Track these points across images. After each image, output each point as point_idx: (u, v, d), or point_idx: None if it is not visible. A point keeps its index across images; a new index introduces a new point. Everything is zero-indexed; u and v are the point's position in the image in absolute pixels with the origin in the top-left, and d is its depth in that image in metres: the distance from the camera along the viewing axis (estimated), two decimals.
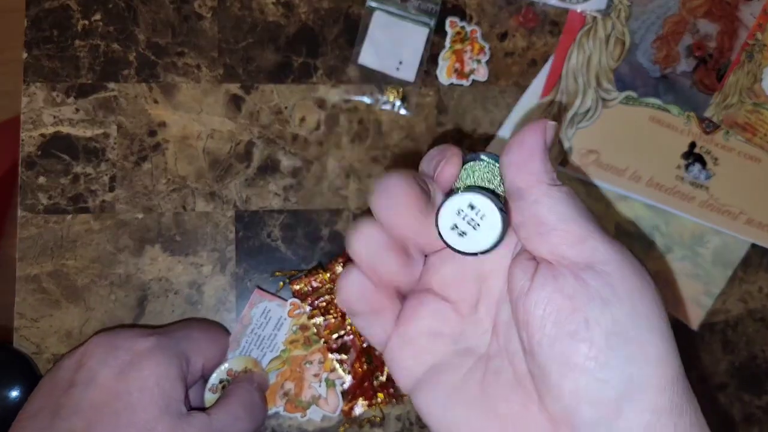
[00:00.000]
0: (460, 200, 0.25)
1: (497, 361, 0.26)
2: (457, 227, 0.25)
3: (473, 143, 0.48)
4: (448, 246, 0.25)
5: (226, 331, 0.45)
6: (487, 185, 0.27)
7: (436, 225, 0.25)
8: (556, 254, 0.24)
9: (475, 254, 0.25)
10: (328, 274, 0.45)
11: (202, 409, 0.40)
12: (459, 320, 0.27)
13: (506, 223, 0.25)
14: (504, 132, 0.48)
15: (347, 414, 0.45)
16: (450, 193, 0.27)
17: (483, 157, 0.27)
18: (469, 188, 0.26)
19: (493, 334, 0.27)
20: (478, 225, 0.25)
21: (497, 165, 0.27)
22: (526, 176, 0.25)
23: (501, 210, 0.25)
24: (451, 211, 0.25)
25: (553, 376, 0.23)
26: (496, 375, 0.26)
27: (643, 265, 0.24)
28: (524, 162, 0.25)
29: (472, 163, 0.27)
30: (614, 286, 0.23)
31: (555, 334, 0.23)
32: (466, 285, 0.28)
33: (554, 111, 0.48)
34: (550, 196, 0.24)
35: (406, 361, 0.27)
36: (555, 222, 0.24)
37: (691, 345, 0.48)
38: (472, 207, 0.25)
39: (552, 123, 0.25)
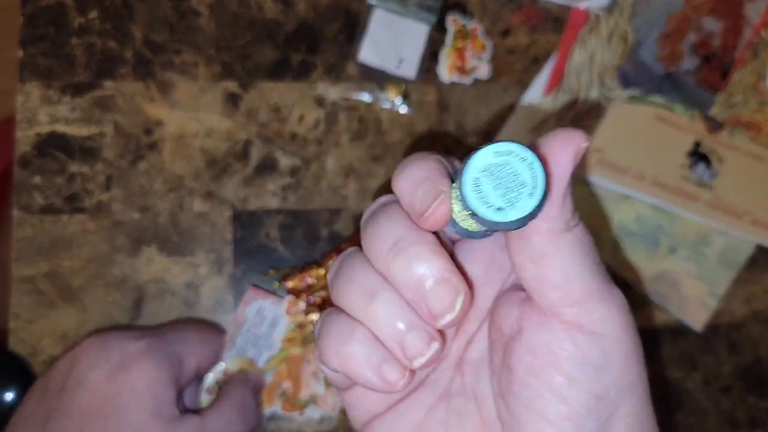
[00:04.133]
0: (485, 154, 0.20)
1: (460, 401, 0.25)
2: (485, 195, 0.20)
3: (474, 142, 0.47)
4: (479, 218, 0.20)
5: (221, 331, 0.44)
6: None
7: (460, 191, 0.21)
8: (553, 310, 0.22)
9: (513, 224, 0.20)
10: (323, 270, 0.44)
11: (197, 411, 0.39)
12: None
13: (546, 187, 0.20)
14: (503, 135, 0.47)
15: (346, 413, 0.44)
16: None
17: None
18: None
19: (457, 371, 0.26)
20: (516, 186, 0.20)
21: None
22: (534, 222, 0.22)
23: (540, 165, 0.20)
24: (476, 171, 0.20)
25: (527, 429, 0.22)
26: (460, 417, 0.25)
27: (634, 322, 0.23)
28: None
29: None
30: (606, 351, 0.22)
31: (537, 387, 0.22)
32: None
33: (557, 109, 0.47)
34: (561, 249, 0.22)
35: (366, 394, 0.26)
36: (559, 281, 0.22)
37: (695, 347, 0.48)
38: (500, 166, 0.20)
39: (585, 141, 0.21)
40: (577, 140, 0.21)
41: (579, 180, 0.48)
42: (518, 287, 0.24)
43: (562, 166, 0.21)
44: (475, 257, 0.25)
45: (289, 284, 0.44)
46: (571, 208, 0.22)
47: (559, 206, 0.21)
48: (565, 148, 0.21)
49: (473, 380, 0.25)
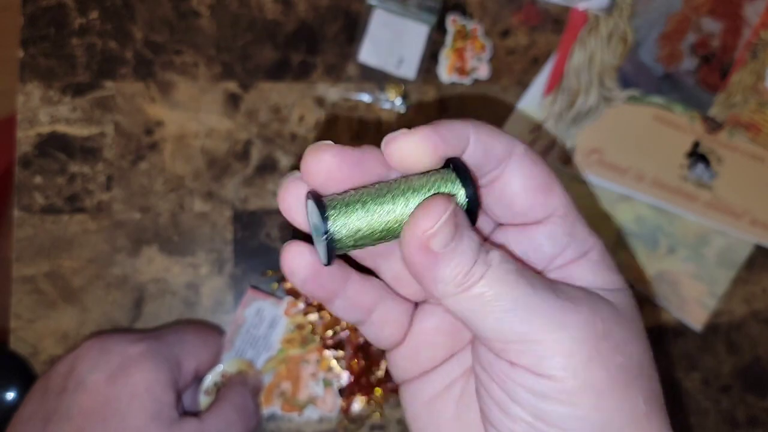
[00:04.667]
0: (311, 206, 0.21)
1: (474, 384, 0.25)
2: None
3: None
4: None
5: (221, 333, 0.44)
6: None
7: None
8: (505, 357, 0.21)
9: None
10: None
11: (196, 413, 0.40)
12: (468, 339, 0.26)
13: (331, 252, 0.21)
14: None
15: (345, 411, 0.44)
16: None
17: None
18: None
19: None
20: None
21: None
22: (422, 283, 0.21)
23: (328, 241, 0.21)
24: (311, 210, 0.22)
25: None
26: (472, 398, 0.25)
27: (617, 343, 0.21)
28: (414, 268, 0.21)
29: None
30: (567, 391, 0.20)
31: (495, 405, 0.22)
32: None
33: (557, 110, 0.48)
34: (469, 307, 0.20)
35: (410, 368, 0.26)
36: (489, 337, 0.21)
37: (694, 346, 0.48)
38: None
39: (447, 209, 0.20)
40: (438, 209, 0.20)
41: (578, 179, 0.48)
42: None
43: (412, 242, 0.20)
44: (521, 238, 0.24)
45: (288, 285, 0.44)
46: (461, 261, 0.20)
47: (433, 269, 0.20)
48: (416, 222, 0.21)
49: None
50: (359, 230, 0.21)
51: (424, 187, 0.21)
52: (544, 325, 0.20)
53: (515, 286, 0.20)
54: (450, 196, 0.21)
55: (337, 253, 0.22)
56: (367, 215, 0.21)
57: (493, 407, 0.22)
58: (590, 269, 0.23)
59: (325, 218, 0.21)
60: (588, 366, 0.20)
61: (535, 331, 0.20)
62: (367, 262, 0.26)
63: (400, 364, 0.27)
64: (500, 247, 0.24)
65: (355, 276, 0.25)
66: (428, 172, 0.22)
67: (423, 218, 0.20)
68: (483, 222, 0.25)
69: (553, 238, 0.23)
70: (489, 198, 0.23)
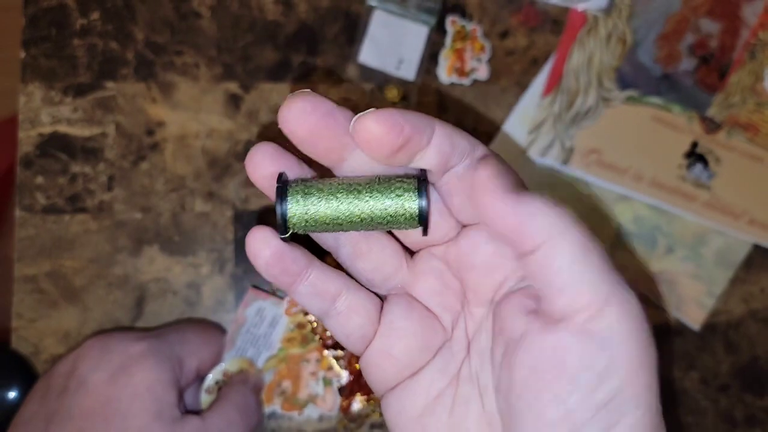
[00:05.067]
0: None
1: (467, 389, 0.25)
2: None
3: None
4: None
5: (222, 331, 0.44)
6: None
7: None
8: (562, 317, 0.22)
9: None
10: None
11: (198, 411, 0.40)
12: (442, 333, 0.26)
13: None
14: (502, 136, 0.48)
15: (345, 410, 0.45)
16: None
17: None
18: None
19: (467, 357, 0.26)
20: None
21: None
22: (530, 241, 0.22)
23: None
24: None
25: (525, 429, 0.22)
26: (466, 405, 0.25)
27: (648, 330, 0.22)
28: (514, 231, 0.22)
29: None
30: (612, 358, 0.21)
31: (538, 389, 0.22)
32: (449, 299, 0.26)
33: (556, 110, 0.48)
34: (561, 253, 0.21)
35: (388, 368, 0.26)
36: (565, 286, 0.21)
37: (693, 346, 0.48)
38: None
39: (491, 165, 0.22)
40: (485, 170, 0.22)
41: (577, 180, 0.48)
42: (527, 293, 0.24)
43: (493, 202, 0.22)
44: (486, 239, 0.25)
45: None
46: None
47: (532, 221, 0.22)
48: (485, 185, 0.22)
49: (478, 370, 0.25)
50: (323, 213, 0.24)
51: (386, 189, 0.24)
52: (611, 288, 0.22)
53: (595, 240, 0.22)
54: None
55: (298, 228, 0.24)
56: (331, 200, 0.24)
57: (526, 388, 0.22)
58: None
59: (289, 189, 0.24)
60: (634, 338, 0.22)
61: (605, 289, 0.22)
62: (341, 260, 0.27)
63: (376, 366, 0.26)
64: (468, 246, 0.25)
65: (318, 263, 0.26)
66: (393, 176, 0.24)
67: (491, 167, 0.22)
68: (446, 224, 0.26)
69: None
70: (457, 198, 0.24)
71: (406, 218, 0.24)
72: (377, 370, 0.26)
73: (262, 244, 0.24)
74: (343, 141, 0.23)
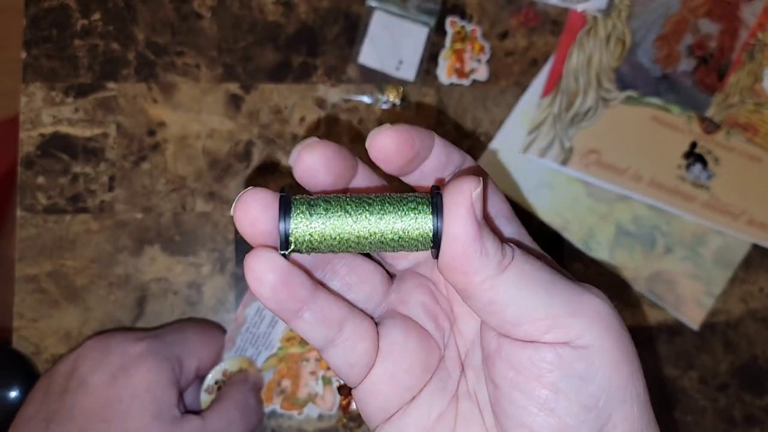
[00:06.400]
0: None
1: (467, 406, 0.25)
2: None
3: (473, 143, 0.48)
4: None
5: (222, 331, 0.44)
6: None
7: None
8: (530, 339, 0.22)
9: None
10: None
11: (198, 411, 0.40)
12: (437, 351, 0.26)
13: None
14: (502, 136, 0.48)
15: (345, 409, 0.45)
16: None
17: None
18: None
19: (462, 375, 0.26)
20: None
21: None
22: (464, 278, 0.22)
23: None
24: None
25: None
26: (467, 424, 0.25)
27: (619, 322, 0.23)
28: (458, 264, 0.21)
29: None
30: (590, 360, 0.22)
31: (522, 402, 0.22)
32: (439, 316, 0.26)
33: (555, 110, 0.48)
34: (504, 290, 0.22)
35: (389, 393, 0.25)
36: (518, 317, 0.22)
37: (692, 345, 0.48)
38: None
39: (477, 187, 0.21)
40: (467, 192, 0.21)
41: (576, 180, 0.48)
42: None
43: (458, 223, 0.21)
44: None
45: None
46: (495, 248, 0.22)
47: (476, 255, 0.21)
48: (458, 205, 0.21)
49: (474, 388, 0.25)
50: (330, 230, 0.22)
51: (400, 206, 0.22)
52: (566, 303, 0.22)
53: (539, 269, 0.22)
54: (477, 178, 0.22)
55: (300, 246, 0.22)
56: (340, 215, 0.22)
57: (510, 403, 0.22)
58: None
59: (293, 202, 0.22)
60: (606, 335, 0.22)
61: (559, 307, 0.22)
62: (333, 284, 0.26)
63: (378, 393, 0.25)
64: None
65: (323, 289, 0.24)
66: (406, 195, 0.23)
67: (466, 181, 0.21)
68: None
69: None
70: None
71: (418, 238, 0.22)
72: (378, 397, 0.25)
73: (266, 267, 0.22)
74: (349, 174, 0.25)
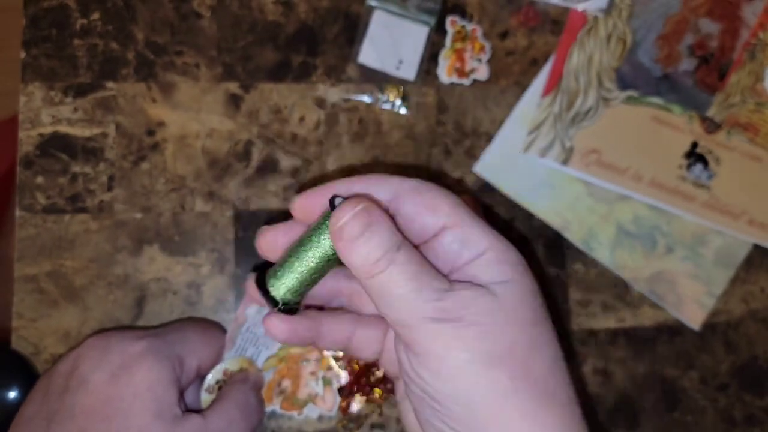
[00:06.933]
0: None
1: None
2: None
3: (473, 143, 0.48)
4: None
5: (222, 330, 0.44)
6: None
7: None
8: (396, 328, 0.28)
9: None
10: None
11: (198, 410, 0.40)
12: None
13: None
14: (502, 136, 0.48)
15: (344, 411, 0.45)
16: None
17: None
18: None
19: None
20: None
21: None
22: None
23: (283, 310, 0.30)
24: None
25: None
26: None
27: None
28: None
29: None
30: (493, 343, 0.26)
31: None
32: None
33: (556, 110, 0.48)
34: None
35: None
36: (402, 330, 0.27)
37: (692, 345, 0.48)
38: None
39: (341, 220, 0.27)
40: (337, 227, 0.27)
41: (577, 180, 0.48)
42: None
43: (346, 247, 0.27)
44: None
45: None
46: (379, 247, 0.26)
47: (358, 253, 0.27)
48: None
49: None
50: (298, 282, 0.29)
51: (318, 228, 0.28)
52: (418, 315, 0.26)
53: (405, 284, 0.26)
54: (362, 198, 0.27)
55: (287, 300, 0.29)
56: (294, 266, 0.29)
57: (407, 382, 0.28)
58: (483, 267, 0.27)
59: (270, 290, 0.30)
60: (449, 346, 0.25)
61: (409, 319, 0.26)
62: (333, 303, 0.33)
63: (392, 358, 0.31)
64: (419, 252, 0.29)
65: (325, 318, 0.31)
66: (319, 225, 0.29)
67: (336, 213, 0.27)
68: None
69: (447, 246, 0.27)
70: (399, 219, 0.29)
71: (335, 256, 0.28)
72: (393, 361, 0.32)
73: (276, 329, 0.30)
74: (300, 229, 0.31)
